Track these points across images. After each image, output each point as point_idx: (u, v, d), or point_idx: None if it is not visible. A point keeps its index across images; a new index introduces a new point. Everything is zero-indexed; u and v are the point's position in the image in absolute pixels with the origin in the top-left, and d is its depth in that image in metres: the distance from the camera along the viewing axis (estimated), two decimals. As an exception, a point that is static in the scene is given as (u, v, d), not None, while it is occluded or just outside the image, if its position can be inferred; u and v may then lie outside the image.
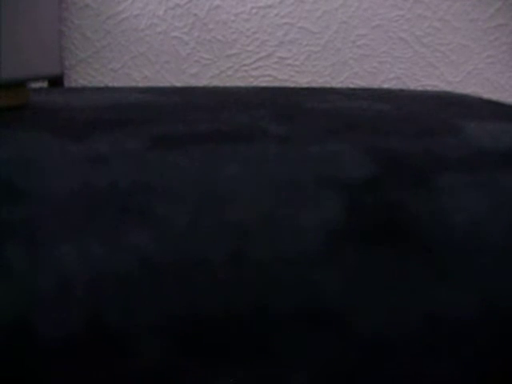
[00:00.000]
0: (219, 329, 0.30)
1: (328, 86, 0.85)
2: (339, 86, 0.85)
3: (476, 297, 0.31)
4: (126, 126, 0.36)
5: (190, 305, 0.30)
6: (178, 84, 0.84)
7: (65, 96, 0.51)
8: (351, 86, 0.85)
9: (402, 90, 0.59)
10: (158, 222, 0.30)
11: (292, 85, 0.85)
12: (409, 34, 0.84)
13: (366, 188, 0.32)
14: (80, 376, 0.29)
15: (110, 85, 0.84)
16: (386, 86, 0.85)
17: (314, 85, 0.85)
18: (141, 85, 0.84)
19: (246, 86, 0.80)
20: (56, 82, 0.81)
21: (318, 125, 0.37)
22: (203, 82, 0.84)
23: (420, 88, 0.85)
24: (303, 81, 0.85)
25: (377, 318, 0.31)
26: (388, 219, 0.31)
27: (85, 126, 0.36)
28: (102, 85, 0.84)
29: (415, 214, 0.32)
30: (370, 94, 0.53)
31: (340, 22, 0.84)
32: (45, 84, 0.81)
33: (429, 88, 0.85)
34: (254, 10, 0.83)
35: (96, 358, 0.29)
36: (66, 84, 0.84)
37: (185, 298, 0.30)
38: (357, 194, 0.32)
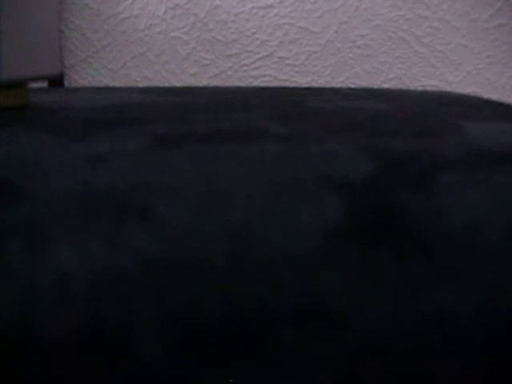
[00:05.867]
0: (219, 328, 0.30)
1: (328, 86, 0.85)
2: (339, 86, 0.85)
3: (476, 296, 0.31)
4: (126, 125, 0.36)
5: (190, 304, 0.30)
6: (178, 84, 0.84)
7: (65, 96, 0.51)
8: (351, 86, 0.85)
9: (401, 90, 0.58)
10: (158, 222, 0.30)
11: (292, 85, 0.85)
12: (409, 34, 0.84)
13: (366, 188, 0.32)
14: (80, 376, 0.29)
15: (110, 85, 0.84)
16: (386, 85, 0.85)
17: (314, 85, 0.85)
18: (141, 85, 0.84)
19: (245, 86, 0.80)
20: (56, 81, 0.81)
21: (318, 125, 0.37)
22: (203, 81, 0.84)
23: (420, 88, 0.85)
24: (303, 81, 0.85)
25: (377, 318, 0.31)
26: (388, 219, 0.31)
27: (85, 125, 0.36)
28: (101, 85, 0.84)
29: (415, 214, 0.32)
30: (370, 94, 0.53)
31: (340, 22, 0.84)
32: (45, 84, 0.81)
33: (429, 88, 0.85)
34: (254, 10, 0.83)
35: (96, 358, 0.29)
36: (66, 84, 0.84)
37: (185, 298, 0.30)
38: (357, 193, 0.32)
